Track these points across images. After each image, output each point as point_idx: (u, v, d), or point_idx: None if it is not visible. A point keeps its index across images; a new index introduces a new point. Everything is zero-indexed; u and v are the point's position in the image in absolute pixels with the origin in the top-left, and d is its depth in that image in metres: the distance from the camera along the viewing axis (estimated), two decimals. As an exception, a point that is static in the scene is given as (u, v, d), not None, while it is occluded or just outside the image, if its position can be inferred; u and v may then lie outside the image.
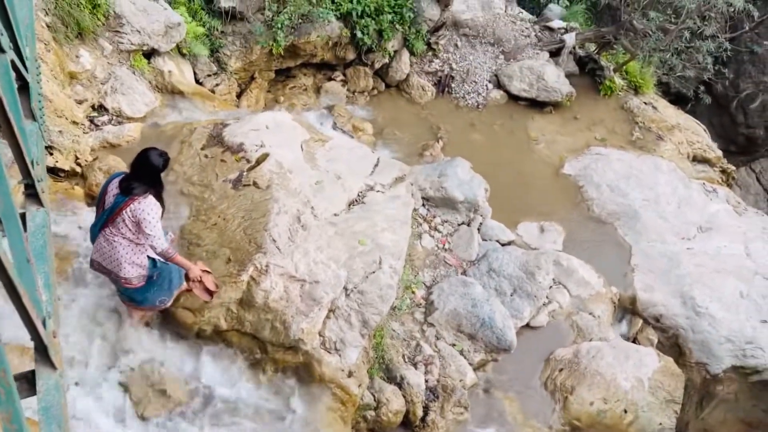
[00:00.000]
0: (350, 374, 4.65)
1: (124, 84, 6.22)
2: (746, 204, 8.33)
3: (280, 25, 7.63)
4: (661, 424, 5.41)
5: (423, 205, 6.42)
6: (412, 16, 8.62)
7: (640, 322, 6.23)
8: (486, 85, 9.24)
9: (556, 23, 10.08)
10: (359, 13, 8.19)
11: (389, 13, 8.38)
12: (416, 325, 5.42)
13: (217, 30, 7.63)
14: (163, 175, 3.91)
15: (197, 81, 7.45)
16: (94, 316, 4.54)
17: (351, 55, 8.74)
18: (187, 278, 4.29)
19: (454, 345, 5.35)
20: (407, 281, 5.60)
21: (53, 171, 5.12)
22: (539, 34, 9.98)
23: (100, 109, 6.06)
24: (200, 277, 4.28)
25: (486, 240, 6.34)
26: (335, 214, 5.45)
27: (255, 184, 5.37)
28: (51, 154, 5.04)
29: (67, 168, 5.19)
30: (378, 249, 5.24)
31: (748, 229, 7.39)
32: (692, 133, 9.36)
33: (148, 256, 4.01)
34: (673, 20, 9.10)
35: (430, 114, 8.86)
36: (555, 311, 5.86)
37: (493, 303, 5.50)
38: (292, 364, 4.62)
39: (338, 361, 4.64)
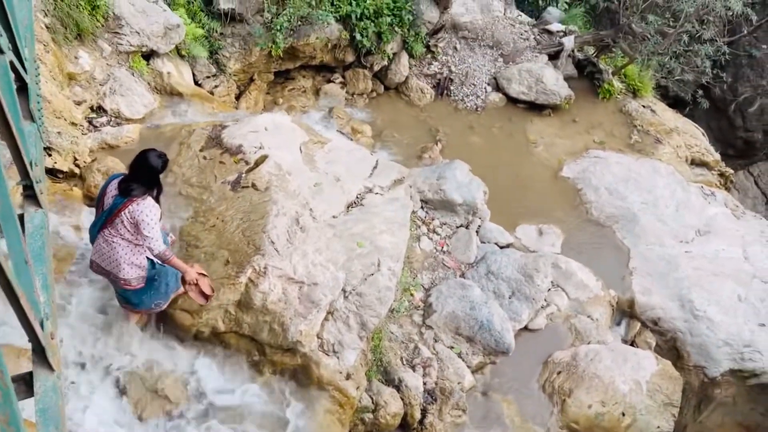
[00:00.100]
0: (348, 376, 4.64)
1: (123, 85, 6.22)
2: (744, 207, 8.34)
3: (279, 27, 7.63)
4: (659, 427, 5.41)
5: (422, 207, 6.42)
6: (411, 18, 8.63)
7: (639, 325, 6.23)
8: (485, 88, 9.25)
9: (555, 26, 10.11)
10: (358, 16, 8.21)
11: (388, 15, 8.39)
12: (414, 328, 5.42)
13: (217, 32, 7.64)
14: (161, 176, 3.91)
15: (196, 82, 7.46)
16: (92, 318, 4.53)
17: (350, 58, 8.75)
18: (183, 281, 4.27)
19: (452, 347, 5.35)
20: (406, 283, 5.60)
21: (52, 172, 5.11)
22: (538, 37, 10.00)
23: (99, 110, 6.05)
24: (196, 280, 4.26)
25: (484, 242, 6.35)
26: (334, 216, 5.45)
27: (254, 185, 5.37)
28: (49, 155, 5.04)
29: (65, 169, 5.18)
30: (376, 251, 5.24)
31: (746, 232, 7.41)
32: (691, 136, 9.39)
33: (147, 257, 4.01)
34: (671, 24, 9.12)
35: (428, 116, 8.87)
36: (553, 314, 5.87)
37: (491, 305, 5.50)
38: (290, 366, 4.61)
39: (336, 363, 4.63)
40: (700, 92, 10.97)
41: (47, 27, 5.52)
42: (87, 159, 5.42)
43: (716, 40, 9.37)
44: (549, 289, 5.97)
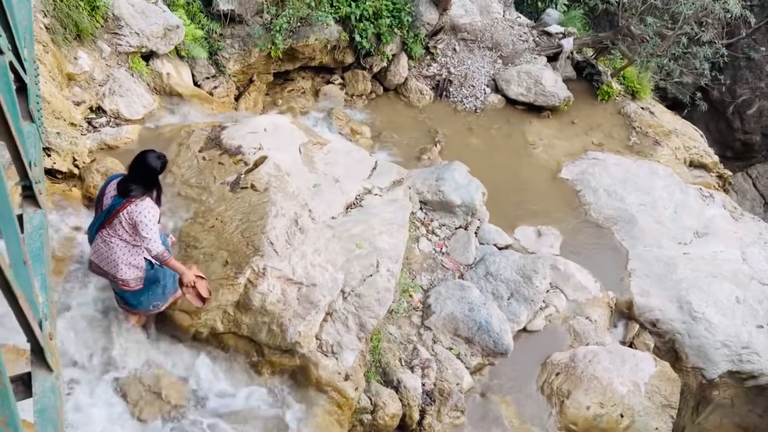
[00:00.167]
0: (347, 377, 4.64)
1: (123, 86, 6.22)
2: (742, 209, 8.36)
3: (278, 28, 7.64)
4: (657, 428, 5.41)
5: (420, 208, 6.43)
6: (410, 20, 8.64)
7: (637, 326, 6.24)
8: (484, 90, 9.26)
9: (554, 28, 10.12)
10: (358, 17, 8.21)
11: (388, 17, 8.40)
12: (413, 329, 5.42)
13: (216, 33, 7.64)
14: (161, 177, 3.91)
15: (195, 83, 7.46)
16: (91, 319, 4.52)
17: (349, 59, 8.75)
18: (181, 283, 4.26)
19: (451, 349, 5.35)
20: (404, 285, 5.60)
21: (51, 173, 5.11)
22: (537, 38, 10.02)
23: (98, 110, 6.05)
24: (194, 283, 4.24)
25: (483, 244, 6.35)
26: (333, 217, 5.45)
27: (253, 186, 5.37)
28: (49, 155, 5.03)
29: (64, 170, 5.18)
30: (375, 252, 5.24)
31: (744, 234, 7.42)
32: (689, 138, 9.40)
33: (146, 258, 4.00)
34: (670, 26, 9.14)
35: (427, 118, 8.88)
36: (552, 315, 5.87)
37: (490, 307, 5.51)
38: (289, 367, 4.61)
39: (335, 364, 4.64)
40: (699, 94, 11.01)
41: (47, 27, 5.52)
42: (86, 159, 5.42)
43: (715, 43, 9.39)
44: (547, 291, 5.97)
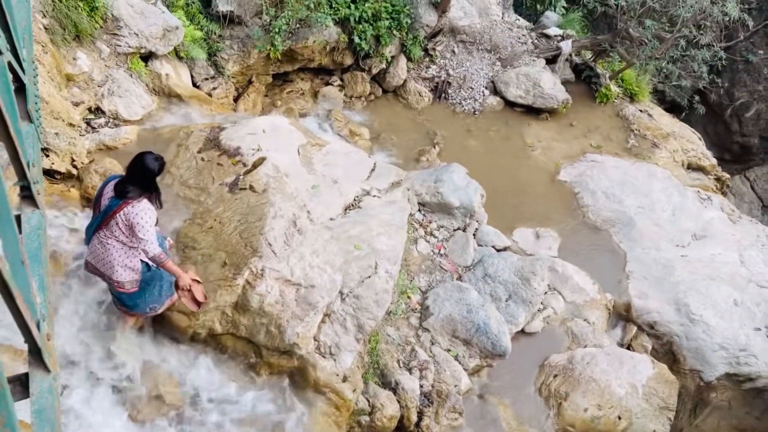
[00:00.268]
0: (345, 379, 4.64)
1: (121, 87, 6.22)
2: (740, 212, 8.37)
3: (277, 30, 7.64)
4: (654, 430, 5.42)
5: (419, 210, 6.43)
6: (409, 22, 8.65)
7: (635, 328, 6.25)
8: (482, 92, 9.27)
9: (553, 31, 10.14)
10: (357, 19, 8.22)
11: (387, 18, 8.41)
12: (411, 330, 5.42)
13: (215, 34, 7.64)
14: (159, 178, 3.90)
15: (194, 84, 7.46)
16: (89, 320, 4.52)
17: (348, 60, 8.76)
18: (177, 286, 4.25)
19: (449, 350, 5.35)
20: (403, 286, 5.60)
21: (49, 173, 5.10)
22: (536, 41, 10.03)
23: (97, 111, 6.05)
24: (189, 286, 4.24)
25: (481, 245, 6.36)
26: (331, 219, 5.45)
27: (251, 187, 5.37)
28: (47, 156, 5.03)
29: (63, 170, 5.17)
30: (374, 254, 5.24)
31: (742, 236, 7.43)
32: (687, 141, 9.42)
33: (142, 260, 4.00)
34: (668, 29, 9.17)
35: (426, 119, 8.88)
36: (550, 317, 5.88)
37: (488, 308, 5.51)
38: (287, 368, 4.61)
39: (333, 365, 4.63)
40: (697, 97, 11.03)
41: (46, 28, 5.51)
42: (84, 160, 5.42)
43: (713, 45, 9.42)
44: (546, 293, 5.98)
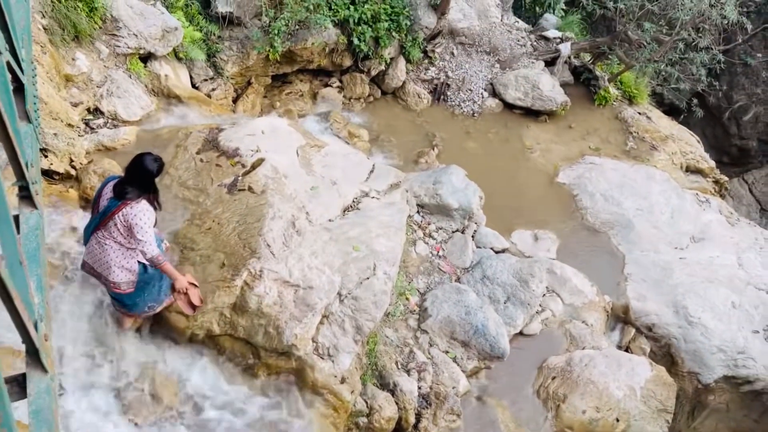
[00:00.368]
0: (343, 380, 4.64)
1: (120, 87, 6.22)
2: (739, 215, 8.39)
3: (277, 31, 7.64)
4: (653, 433, 5.42)
5: (418, 212, 6.43)
6: (408, 23, 8.66)
7: (633, 331, 6.25)
8: (481, 94, 9.28)
9: (552, 33, 10.16)
10: (356, 20, 8.23)
11: (386, 20, 8.42)
12: (410, 332, 5.42)
13: (214, 35, 7.64)
14: (157, 179, 3.90)
15: (194, 85, 7.46)
16: (86, 320, 4.51)
17: (347, 62, 8.77)
18: (173, 288, 4.25)
19: (447, 352, 5.35)
20: (401, 288, 5.60)
21: (48, 173, 5.09)
22: (535, 43, 10.05)
23: (96, 112, 6.04)
24: (186, 289, 4.24)
25: (480, 247, 6.36)
26: (330, 220, 5.45)
27: (250, 188, 5.37)
28: (46, 156, 5.03)
29: (61, 170, 5.17)
30: (372, 255, 5.24)
31: (740, 239, 7.44)
32: (686, 143, 9.44)
33: (139, 261, 4.00)
34: (667, 31, 9.19)
35: (425, 121, 8.89)
36: (548, 319, 5.88)
37: (486, 310, 5.51)
38: (285, 369, 4.60)
39: (331, 367, 4.63)
40: (696, 100, 11.05)
41: (45, 28, 5.51)
42: (83, 161, 5.41)
43: (711, 48, 9.44)
44: (544, 295, 5.98)
